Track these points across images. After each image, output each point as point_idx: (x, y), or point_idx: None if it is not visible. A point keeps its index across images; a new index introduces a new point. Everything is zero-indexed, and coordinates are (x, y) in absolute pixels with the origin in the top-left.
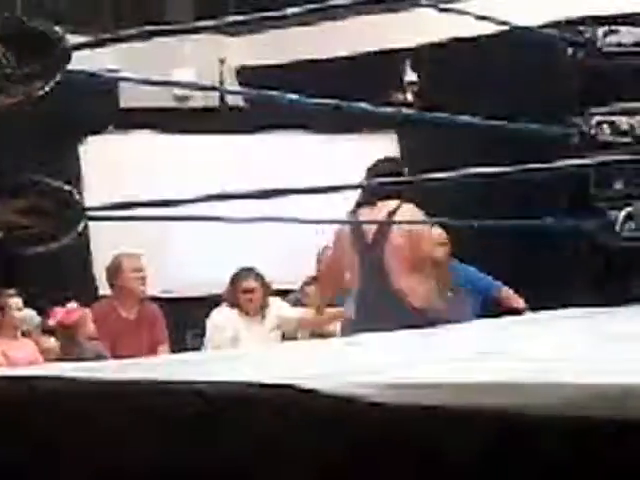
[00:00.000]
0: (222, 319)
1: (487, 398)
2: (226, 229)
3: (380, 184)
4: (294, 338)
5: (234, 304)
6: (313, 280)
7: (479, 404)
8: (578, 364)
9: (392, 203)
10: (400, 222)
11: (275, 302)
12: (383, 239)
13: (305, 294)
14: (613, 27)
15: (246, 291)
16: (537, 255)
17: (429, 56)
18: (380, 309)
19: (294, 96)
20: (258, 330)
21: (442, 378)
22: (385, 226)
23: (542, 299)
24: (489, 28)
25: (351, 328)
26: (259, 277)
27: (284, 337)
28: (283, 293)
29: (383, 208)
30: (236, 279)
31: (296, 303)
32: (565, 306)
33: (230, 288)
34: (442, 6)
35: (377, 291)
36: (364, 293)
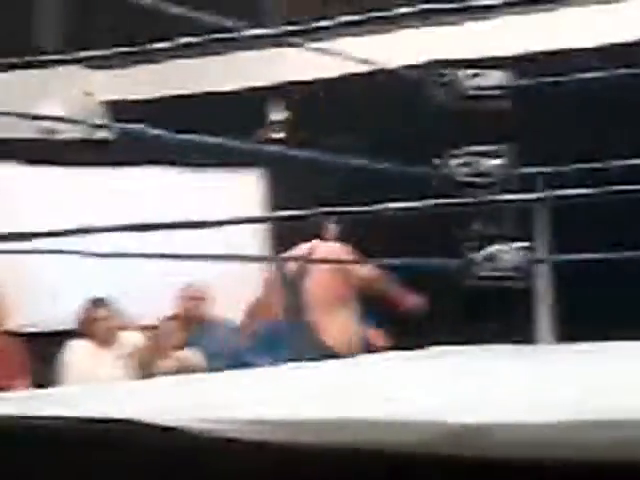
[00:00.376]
0: (75, 351)
1: (343, 435)
2: (92, 263)
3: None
4: (150, 370)
5: (86, 335)
6: (174, 316)
7: (334, 441)
8: (435, 402)
9: (315, 241)
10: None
11: (127, 333)
12: (303, 276)
13: (164, 331)
14: (476, 70)
15: (96, 320)
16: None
17: (298, 94)
18: (296, 344)
19: (161, 131)
20: (110, 360)
21: (301, 415)
22: (305, 263)
23: (402, 338)
24: (357, 68)
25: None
26: (109, 306)
27: (141, 370)
28: (147, 329)
29: (306, 245)
30: (86, 309)
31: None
32: (423, 345)
33: (81, 319)
34: (310, 45)
35: (294, 327)
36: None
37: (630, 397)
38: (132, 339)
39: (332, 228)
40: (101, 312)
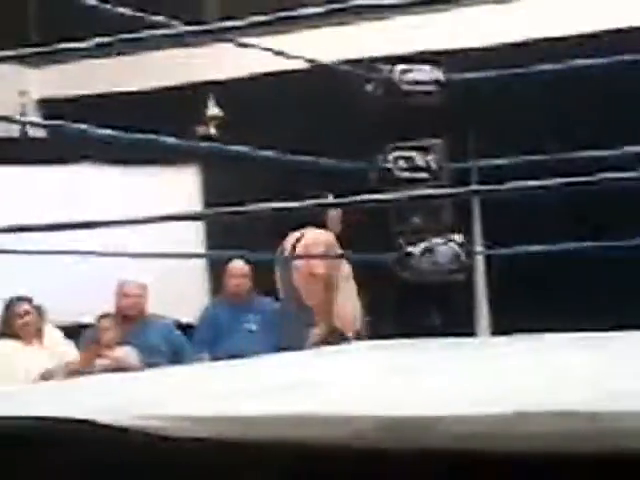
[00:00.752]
0: (1, 351)
1: (282, 430)
2: (27, 261)
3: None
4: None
5: (10, 334)
6: (109, 314)
7: (274, 437)
8: (370, 395)
9: (307, 229)
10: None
11: (51, 331)
12: (291, 261)
13: (101, 328)
14: (410, 65)
15: (21, 316)
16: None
17: (232, 90)
18: (296, 321)
19: (96, 128)
20: (37, 357)
21: (238, 411)
22: (292, 249)
23: None
24: (292, 64)
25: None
26: (32, 303)
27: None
28: (77, 327)
29: (298, 233)
30: (9, 306)
31: (92, 338)
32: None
33: (4, 316)
34: (243, 41)
35: (291, 306)
36: (283, 306)
37: (571, 389)
38: (54, 339)
39: (333, 215)
40: (22, 310)
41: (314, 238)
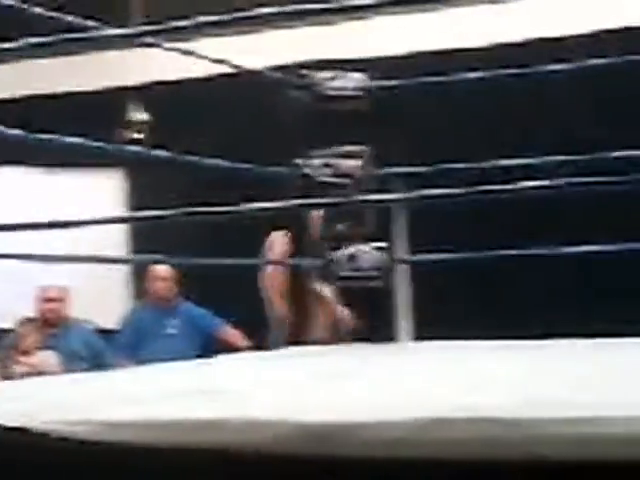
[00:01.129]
0: None
1: (203, 435)
2: None
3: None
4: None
5: None
6: (30, 320)
7: (194, 441)
8: (293, 401)
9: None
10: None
11: None
12: (261, 268)
13: (21, 334)
14: (335, 72)
15: None
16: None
17: (158, 94)
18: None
19: (20, 132)
20: None
21: (157, 416)
22: (261, 257)
23: (263, 338)
24: (218, 69)
25: None
26: None
27: None
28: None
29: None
30: None
31: (12, 344)
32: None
33: None
34: (168, 46)
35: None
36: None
37: (491, 395)
38: None
39: (315, 215)
40: None
41: (274, 248)
